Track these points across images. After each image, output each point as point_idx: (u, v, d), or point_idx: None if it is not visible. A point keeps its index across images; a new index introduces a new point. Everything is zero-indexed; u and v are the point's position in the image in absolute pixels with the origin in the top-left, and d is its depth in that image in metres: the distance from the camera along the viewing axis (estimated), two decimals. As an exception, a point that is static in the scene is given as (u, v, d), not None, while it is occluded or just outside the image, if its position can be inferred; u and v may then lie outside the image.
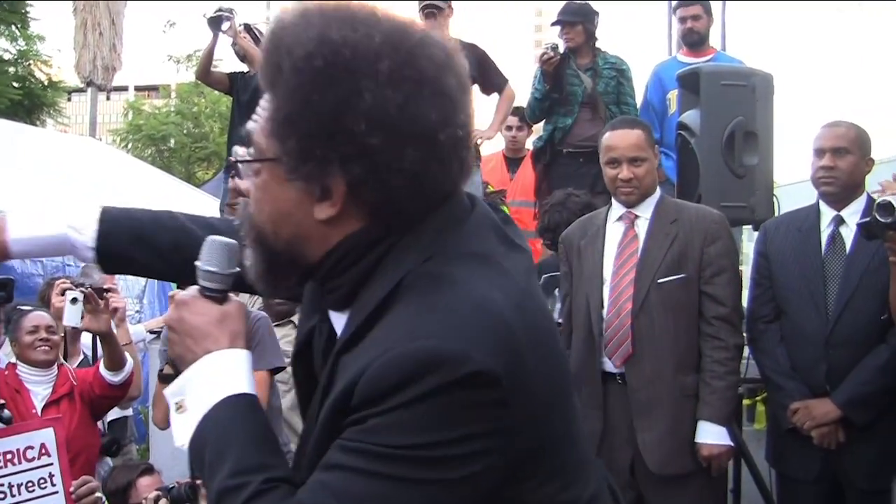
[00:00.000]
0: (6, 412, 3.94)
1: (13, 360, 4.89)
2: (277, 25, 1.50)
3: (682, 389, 4.10)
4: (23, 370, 4.79)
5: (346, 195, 1.48)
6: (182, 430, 1.59)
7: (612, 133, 4.37)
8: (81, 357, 5.82)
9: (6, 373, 4.78)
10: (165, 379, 4.42)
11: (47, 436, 3.51)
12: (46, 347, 4.82)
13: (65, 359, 5.27)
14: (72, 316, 4.75)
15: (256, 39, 7.63)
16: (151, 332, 6.90)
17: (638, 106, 7.22)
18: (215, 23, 7.61)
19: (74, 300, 4.73)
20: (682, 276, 4.12)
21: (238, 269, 1.68)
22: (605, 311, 4.22)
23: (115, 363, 4.80)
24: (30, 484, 3.41)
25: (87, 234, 1.99)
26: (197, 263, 1.69)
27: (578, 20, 7.18)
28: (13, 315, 4.95)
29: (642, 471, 4.13)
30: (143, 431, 7.23)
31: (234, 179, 1.53)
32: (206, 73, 8.10)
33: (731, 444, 4.11)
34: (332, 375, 1.51)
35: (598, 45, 7.34)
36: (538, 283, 1.56)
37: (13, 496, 3.35)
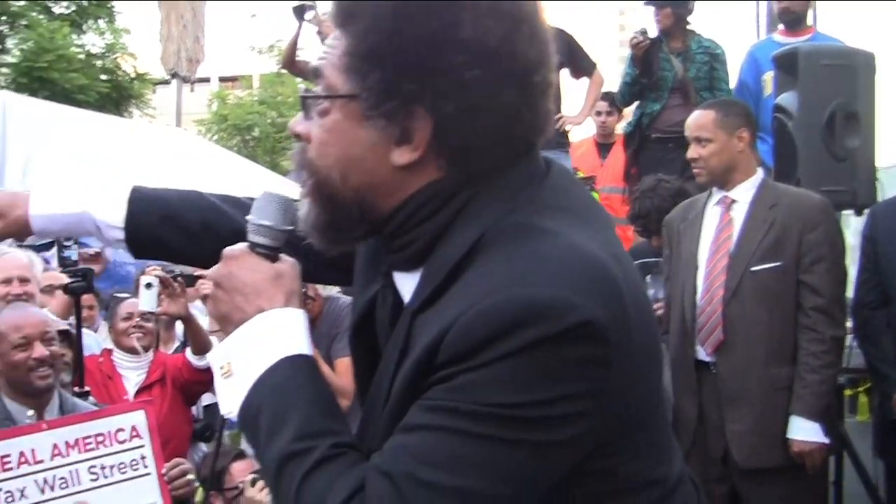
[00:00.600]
0: (91, 398, 4.04)
1: (111, 346, 5.03)
2: None
3: (773, 381, 4.01)
4: (117, 356, 4.96)
5: (430, 139, 1.38)
6: (230, 396, 1.48)
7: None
8: (177, 343, 5.95)
9: (101, 359, 4.92)
10: None
11: (138, 418, 3.53)
12: (140, 334, 4.97)
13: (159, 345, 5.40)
14: (147, 301, 4.83)
15: None
16: None
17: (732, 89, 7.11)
18: (299, 12, 7.67)
19: (149, 285, 4.80)
20: (777, 263, 4.03)
21: (292, 227, 1.56)
22: (698, 298, 4.16)
23: (200, 347, 4.88)
24: (121, 465, 3.44)
25: (115, 213, 1.90)
26: (248, 217, 1.57)
27: (667, 3, 7.09)
28: (111, 302, 5.08)
29: (734, 462, 4.08)
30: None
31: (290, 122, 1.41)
32: (291, 63, 8.19)
33: (826, 440, 3.99)
34: (409, 337, 1.40)
35: (692, 28, 7.24)
36: (621, 244, 1.45)
37: (105, 477, 3.39)
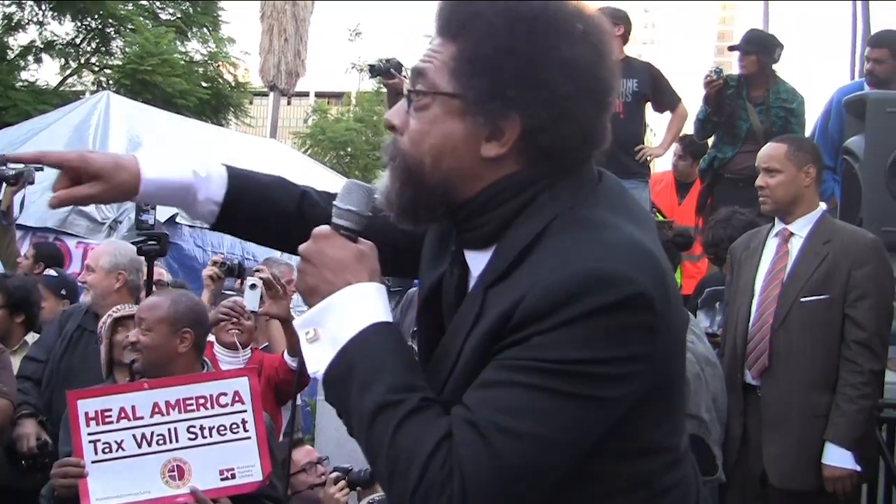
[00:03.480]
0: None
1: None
2: None
3: (813, 408, 4.34)
4: (217, 350, 5.26)
5: (518, 138, 1.67)
6: (316, 357, 1.71)
7: None
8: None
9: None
10: None
11: (241, 384, 3.67)
12: (237, 330, 5.23)
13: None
14: (250, 301, 5.20)
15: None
16: None
17: (809, 126, 7.35)
18: (378, 72, 8.04)
19: (253, 286, 5.18)
20: (826, 296, 4.37)
21: (371, 214, 1.80)
22: (750, 324, 4.54)
23: (296, 349, 5.01)
24: (221, 428, 3.60)
25: (216, 189, 2.07)
26: (335, 203, 1.80)
27: (753, 51, 7.32)
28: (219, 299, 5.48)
29: (770, 483, 4.42)
30: (309, 423, 7.72)
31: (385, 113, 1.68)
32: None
33: (857, 468, 4.28)
34: (482, 307, 1.65)
35: (775, 72, 7.45)
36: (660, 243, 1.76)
37: (204, 437, 3.58)
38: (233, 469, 3.58)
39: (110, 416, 3.53)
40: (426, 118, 1.72)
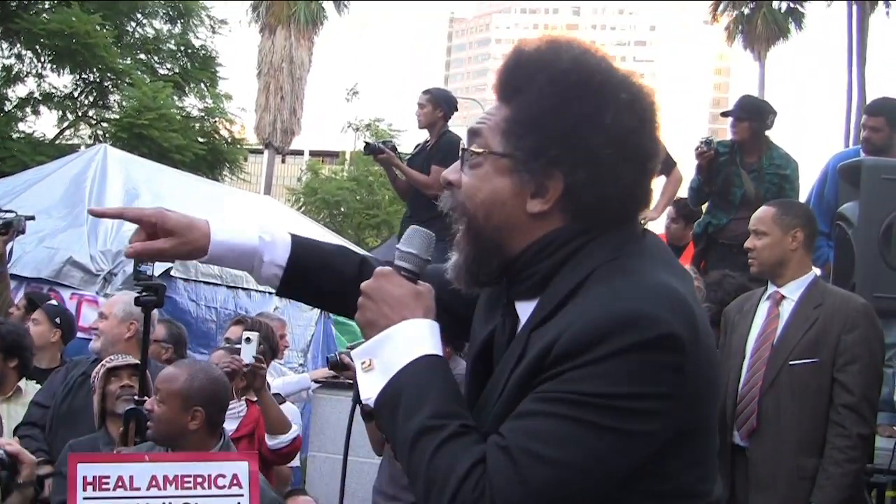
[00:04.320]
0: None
1: None
2: (528, 46, 1.89)
3: (800, 471, 4.41)
4: None
5: (561, 196, 1.81)
6: (370, 385, 1.84)
7: None
8: None
9: None
10: (369, 417, 4.90)
11: (241, 468, 3.67)
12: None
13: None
14: (246, 354, 5.28)
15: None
16: (316, 381, 7.38)
17: (804, 191, 7.42)
18: (371, 150, 8.44)
19: (248, 339, 5.29)
20: (815, 360, 4.45)
21: (430, 258, 1.97)
22: (740, 385, 4.61)
23: (275, 426, 5.23)
24: None
25: (280, 254, 2.23)
26: (397, 246, 1.97)
27: (746, 117, 7.42)
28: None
29: None
30: (300, 478, 7.72)
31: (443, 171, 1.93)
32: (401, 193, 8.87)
33: None
34: (525, 348, 1.77)
35: (768, 138, 7.53)
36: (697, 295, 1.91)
37: None
38: None
39: (107, 484, 3.53)
40: (478, 175, 1.89)
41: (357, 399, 1.95)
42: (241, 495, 3.63)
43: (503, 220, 1.86)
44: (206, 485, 3.61)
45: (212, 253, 2.18)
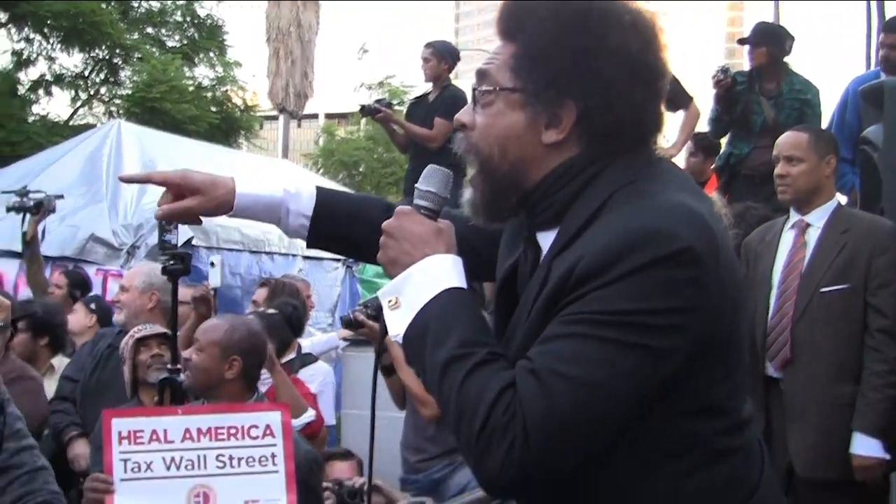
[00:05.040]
0: (182, 375, 4.35)
1: None
2: None
3: (837, 398, 4.37)
4: None
5: (574, 123, 1.83)
6: (397, 322, 1.87)
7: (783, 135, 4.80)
8: None
9: None
10: (388, 371, 4.87)
11: (273, 418, 3.72)
12: None
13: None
14: (213, 277, 5.66)
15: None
16: (345, 339, 7.38)
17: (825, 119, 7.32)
18: (367, 112, 8.55)
19: (213, 264, 5.67)
20: (846, 286, 4.41)
21: (449, 196, 2.00)
22: (769, 316, 4.57)
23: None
24: (250, 459, 3.64)
25: (304, 202, 2.26)
26: (416, 185, 2.00)
27: (763, 42, 7.30)
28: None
29: (797, 475, 4.44)
30: (335, 436, 7.72)
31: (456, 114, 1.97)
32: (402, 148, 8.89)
33: (886, 456, 4.30)
34: (547, 275, 1.80)
35: (787, 65, 7.42)
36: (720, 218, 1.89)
37: (232, 467, 3.63)
38: (258, 501, 3.63)
39: (142, 437, 3.61)
40: (491, 113, 1.91)
41: (379, 354, 1.95)
42: (275, 445, 3.69)
43: (519, 154, 1.88)
44: (239, 436, 3.67)
45: (237, 206, 2.24)
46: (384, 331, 1.94)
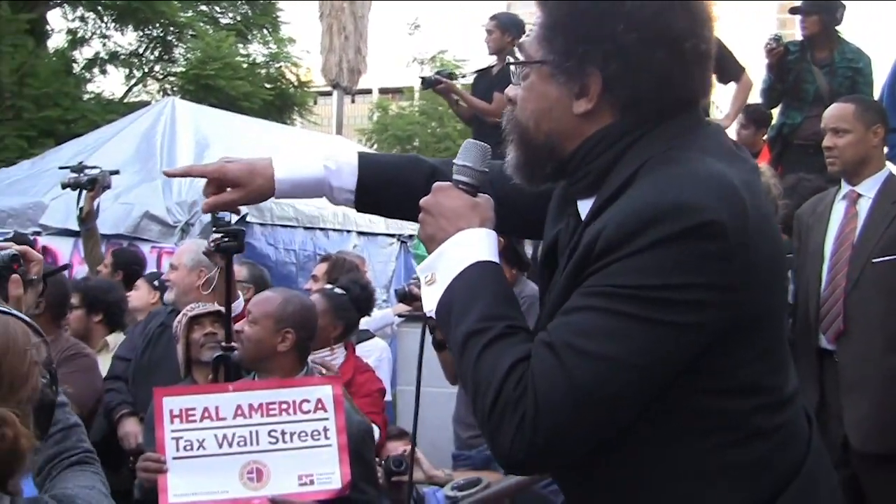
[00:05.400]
0: (236, 352, 4.31)
1: None
2: None
3: (891, 369, 4.33)
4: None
5: (602, 92, 1.81)
6: (431, 298, 1.88)
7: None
8: None
9: None
10: (440, 346, 4.86)
11: (324, 392, 3.72)
12: None
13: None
14: None
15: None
16: (400, 315, 7.35)
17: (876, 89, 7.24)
18: (428, 84, 8.52)
19: None
20: None
21: (487, 170, 2.00)
22: (822, 288, 4.53)
23: None
24: (303, 434, 3.65)
25: (348, 179, 2.27)
26: (454, 161, 2.01)
27: (815, 11, 7.25)
28: None
29: (853, 448, 4.42)
30: (392, 413, 7.74)
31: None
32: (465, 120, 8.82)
33: None
34: (576, 245, 1.78)
35: (839, 34, 7.36)
36: (761, 186, 1.85)
37: (284, 442, 3.65)
38: (311, 475, 3.63)
39: (194, 415, 3.63)
40: (526, 87, 1.92)
41: (430, 329, 1.95)
42: (327, 419, 3.69)
43: (553, 125, 1.88)
44: (291, 410, 3.68)
45: (279, 191, 2.27)
46: None
